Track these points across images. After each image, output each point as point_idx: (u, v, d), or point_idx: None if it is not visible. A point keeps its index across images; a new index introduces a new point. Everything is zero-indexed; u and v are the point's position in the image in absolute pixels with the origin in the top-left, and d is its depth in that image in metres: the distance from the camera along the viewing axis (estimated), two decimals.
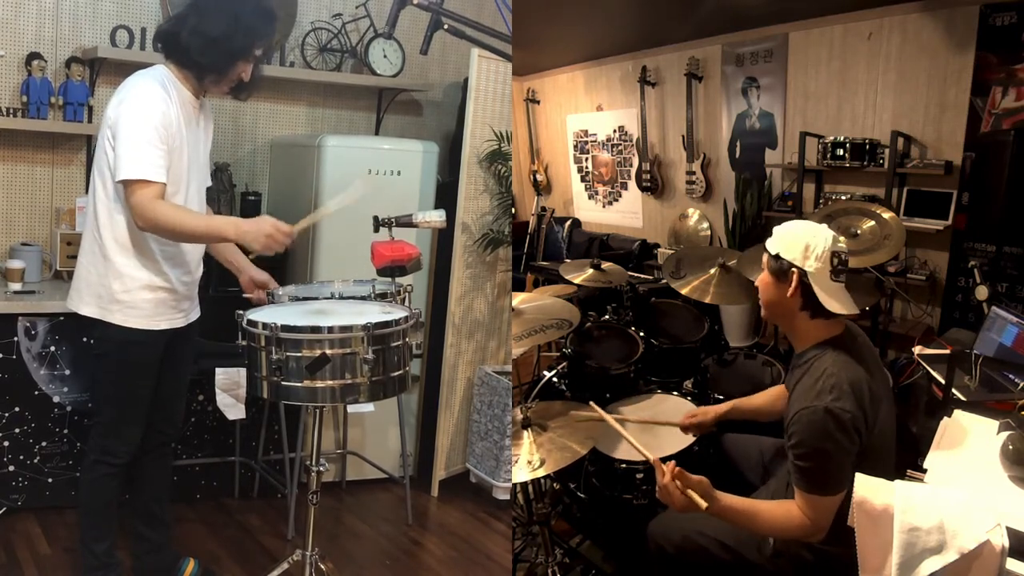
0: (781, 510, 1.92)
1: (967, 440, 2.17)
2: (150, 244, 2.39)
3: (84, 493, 2.57)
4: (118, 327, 2.39)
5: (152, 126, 2.26)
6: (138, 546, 2.70)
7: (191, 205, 2.47)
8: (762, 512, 1.93)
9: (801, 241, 1.95)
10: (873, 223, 3.15)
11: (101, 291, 2.40)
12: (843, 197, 4.36)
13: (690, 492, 1.84)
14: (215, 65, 2.36)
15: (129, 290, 2.39)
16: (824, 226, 1.99)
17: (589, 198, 6.99)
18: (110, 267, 2.38)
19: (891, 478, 1.77)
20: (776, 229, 2.04)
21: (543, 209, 7.02)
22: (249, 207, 3.73)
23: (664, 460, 1.92)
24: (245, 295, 2.60)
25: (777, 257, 1.98)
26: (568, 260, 5.24)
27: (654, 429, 2.63)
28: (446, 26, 2.40)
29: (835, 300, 1.93)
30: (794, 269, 1.95)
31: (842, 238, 2.01)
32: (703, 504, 1.84)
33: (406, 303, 2.61)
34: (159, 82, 2.34)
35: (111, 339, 2.41)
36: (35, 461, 3.18)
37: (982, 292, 3.13)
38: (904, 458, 2.08)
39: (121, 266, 2.38)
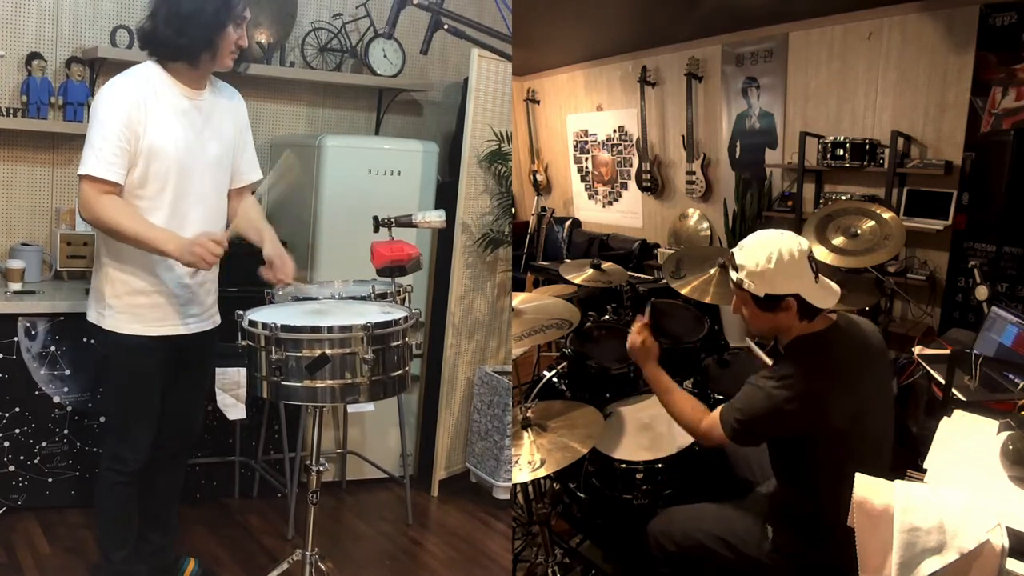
0: (691, 403, 2.19)
1: (967, 440, 2.17)
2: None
3: (99, 501, 2.55)
4: (110, 332, 2.37)
5: (111, 122, 2.21)
6: (141, 548, 2.68)
7: (193, 203, 2.38)
8: (676, 396, 2.22)
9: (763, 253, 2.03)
10: (873, 223, 3.15)
11: (97, 295, 2.39)
12: (843, 197, 4.36)
13: (646, 343, 2.30)
14: (202, 39, 2.26)
15: (119, 295, 2.35)
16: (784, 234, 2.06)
17: (589, 198, 6.98)
18: (103, 271, 2.37)
19: (888, 478, 1.77)
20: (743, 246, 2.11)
21: (543, 209, 7.03)
22: None
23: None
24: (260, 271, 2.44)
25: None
26: (568, 260, 5.23)
27: (654, 429, 2.63)
28: (446, 26, 2.40)
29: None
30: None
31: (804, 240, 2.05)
32: (644, 358, 2.30)
33: (406, 303, 2.61)
34: (137, 79, 2.28)
35: (106, 344, 2.39)
36: (35, 461, 3.18)
37: (982, 292, 3.13)
38: (904, 458, 2.08)
39: (112, 270, 2.36)
